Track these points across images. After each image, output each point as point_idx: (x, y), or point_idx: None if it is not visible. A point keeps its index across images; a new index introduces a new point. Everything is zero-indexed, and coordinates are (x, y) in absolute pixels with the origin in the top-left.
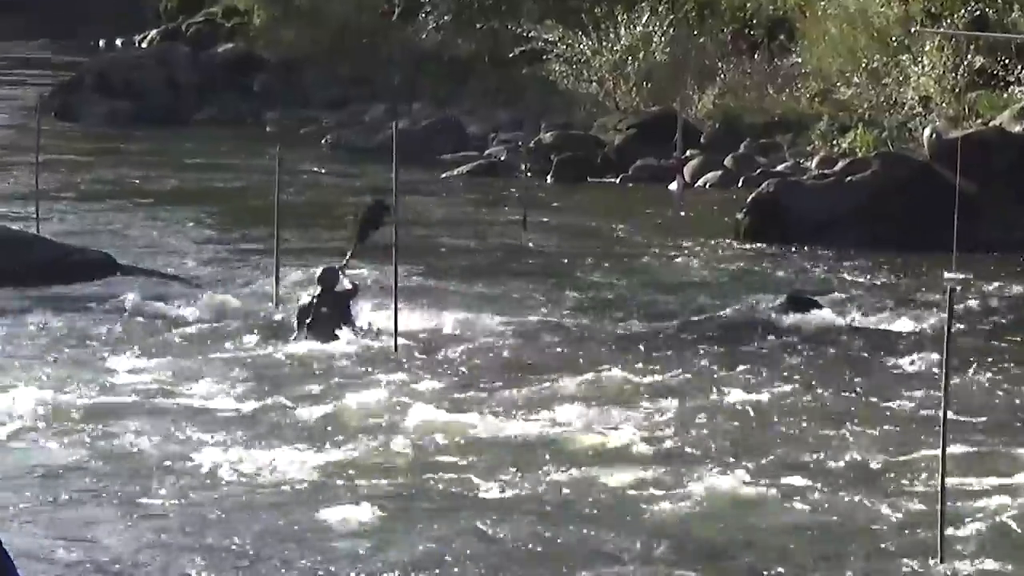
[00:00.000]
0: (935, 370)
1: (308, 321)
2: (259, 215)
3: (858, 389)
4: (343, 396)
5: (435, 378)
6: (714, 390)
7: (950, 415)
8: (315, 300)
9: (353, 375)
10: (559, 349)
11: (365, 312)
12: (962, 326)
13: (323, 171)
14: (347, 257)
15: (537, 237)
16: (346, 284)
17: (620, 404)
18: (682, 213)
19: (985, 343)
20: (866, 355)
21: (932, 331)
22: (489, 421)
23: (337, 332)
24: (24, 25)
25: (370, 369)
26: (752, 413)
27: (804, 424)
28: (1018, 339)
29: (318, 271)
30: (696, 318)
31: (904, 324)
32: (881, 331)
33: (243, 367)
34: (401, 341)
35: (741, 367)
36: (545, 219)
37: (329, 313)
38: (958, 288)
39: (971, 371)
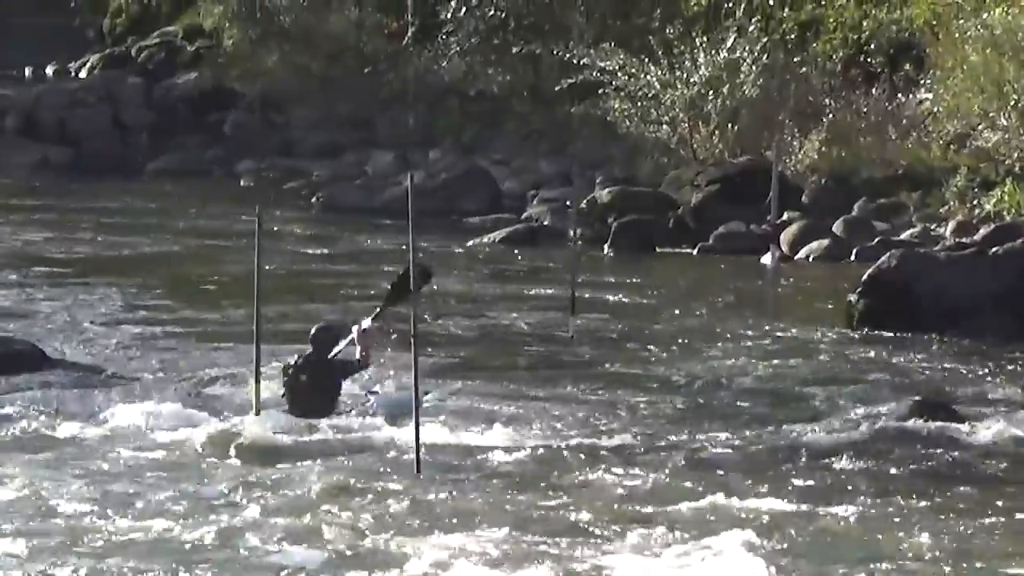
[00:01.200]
0: None
1: (282, 393)
2: (232, 294)
3: (1003, 526)
4: (342, 537)
5: (467, 514)
6: (818, 523)
7: None
8: (297, 363)
9: (363, 497)
10: (615, 480)
11: (376, 423)
12: None
13: (313, 238)
14: (370, 318)
15: (589, 325)
16: (354, 353)
17: (694, 551)
18: (778, 292)
19: None
20: (1014, 480)
21: None
22: None
23: (320, 409)
24: None
25: (383, 490)
26: (870, 555)
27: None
28: None
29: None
30: (795, 431)
31: None
32: None
33: (205, 493)
34: (425, 460)
35: (852, 493)
36: (600, 301)
37: (312, 384)
38: None
39: None
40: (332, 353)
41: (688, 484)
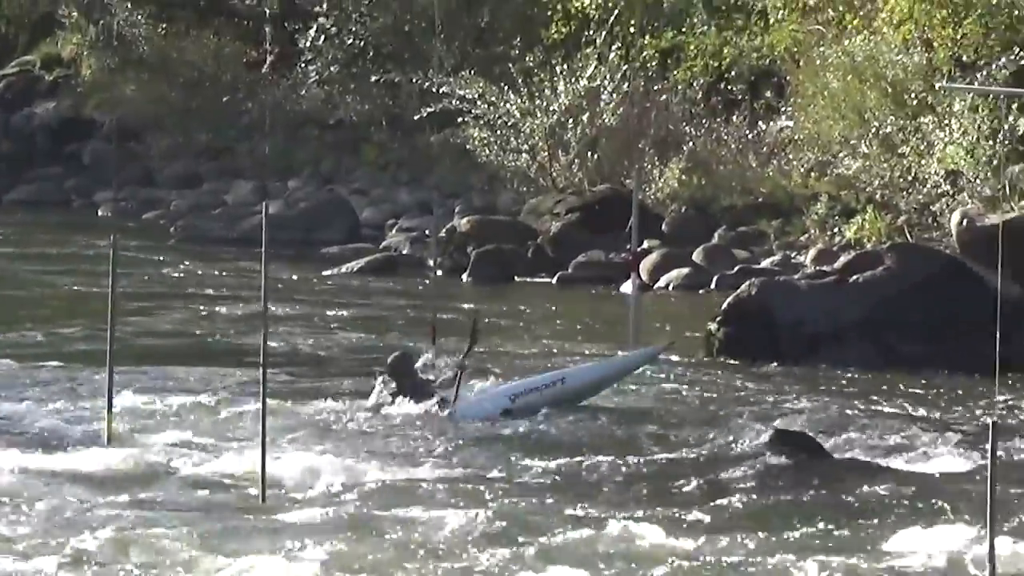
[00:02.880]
0: (972, 531)
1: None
2: (87, 325)
3: (864, 553)
4: (187, 566)
5: (313, 541)
6: (670, 549)
7: None
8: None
9: (210, 531)
10: (473, 504)
11: (225, 453)
12: (1010, 476)
13: (172, 269)
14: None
15: (450, 354)
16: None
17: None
18: (638, 321)
19: None
20: (877, 509)
21: (967, 477)
22: None
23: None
24: None
25: (232, 524)
26: None
27: None
28: None
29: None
30: (652, 460)
31: (929, 467)
32: (898, 475)
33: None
34: (271, 491)
35: (708, 521)
36: (460, 331)
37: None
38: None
39: (1017, 536)
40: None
41: (535, 513)
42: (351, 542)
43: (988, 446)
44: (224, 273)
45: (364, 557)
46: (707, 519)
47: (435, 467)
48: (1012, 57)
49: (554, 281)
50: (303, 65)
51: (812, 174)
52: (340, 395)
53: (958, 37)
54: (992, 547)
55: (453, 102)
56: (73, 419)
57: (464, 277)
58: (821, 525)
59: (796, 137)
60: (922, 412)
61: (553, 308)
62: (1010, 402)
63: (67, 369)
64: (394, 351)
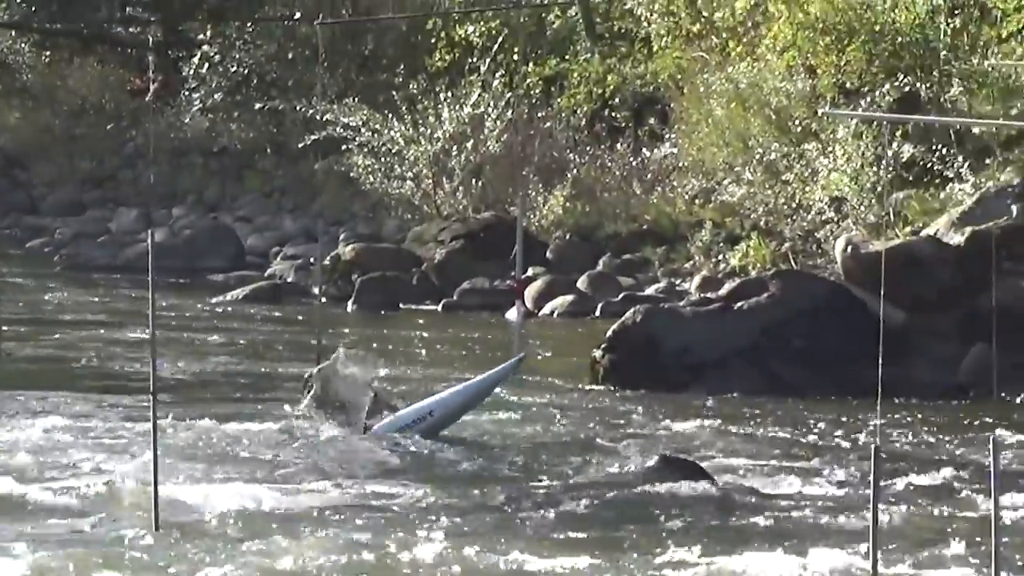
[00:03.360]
0: (856, 555)
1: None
2: None
3: None
4: None
5: (209, 568)
6: None
7: None
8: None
9: (101, 560)
10: (354, 532)
11: (115, 481)
12: (892, 500)
13: (55, 298)
14: None
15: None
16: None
17: None
18: (523, 348)
19: (921, 521)
20: (761, 533)
21: (851, 501)
22: None
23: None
24: None
25: (121, 545)
26: None
27: None
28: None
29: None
30: (536, 488)
31: (813, 491)
32: (782, 503)
33: None
34: (164, 516)
35: (592, 550)
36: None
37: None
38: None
39: (900, 558)
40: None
41: (417, 541)
42: (247, 568)
43: (871, 471)
44: (109, 300)
45: None
46: (592, 544)
47: (330, 492)
48: (895, 84)
49: (439, 308)
50: (187, 93)
51: (696, 201)
52: (230, 419)
53: (841, 64)
54: (875, 572)
55: (337, 130)
56: None
57: (349, 305)
58: (706, 550)
59: (680, 164)
60: (806, 437)
61: (439, 335)
62: (891, 427)
63: None
64: (281, 377)
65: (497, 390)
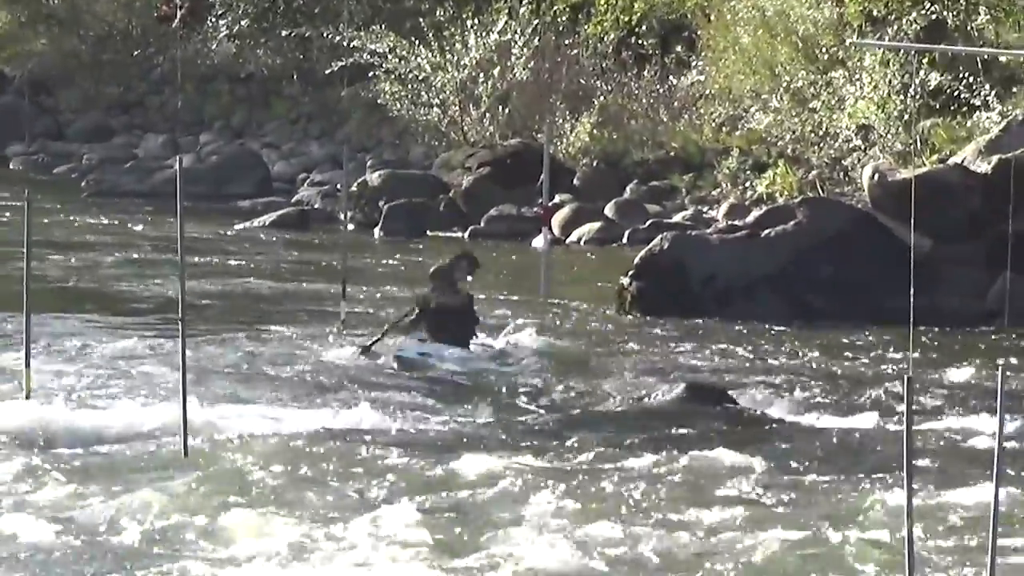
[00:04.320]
0: (888, 484)
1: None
2: (0, 285)
3: (775, 506)
4: (108, 517)
5: (237, 495)
6: (582, 507)
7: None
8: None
9: (130, 486)
10: (385, 454)
11: (145, 406)
12: (925, 426)
13: (83, 224)
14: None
15: (362, 309)
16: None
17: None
18: (550, 275)
19: (953, 449)
20: (789, 462)
21: (882, 431)
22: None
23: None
24: None
25: (151, 477)
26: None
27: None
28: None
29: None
30: (565, 415)
31: (844, 421)
32: (811, 429)
33: None
34: (193, 443)
35: (619, 477)
36: (371, 286)
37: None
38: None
39: (933, 490)
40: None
41: (451, 466)
42: (274, 494)
43: (905, 400)
44: (136, 226)
45: (292, 510)
46: (618, 472)
47: (358, 415)
48: (922, 11)
49: (466, 235)
50: (214, 19)
51: (723, 129)
52: (258, 344)
53: None
54: (910, 500)
55: (364, 56)
56: None
57: (376, 231)
58: (731, 477)
59: (707, 92)
60: (835, 366)
61: None
62: (923, 356)
63: None
64: (308, 303)
65: (518, 313)
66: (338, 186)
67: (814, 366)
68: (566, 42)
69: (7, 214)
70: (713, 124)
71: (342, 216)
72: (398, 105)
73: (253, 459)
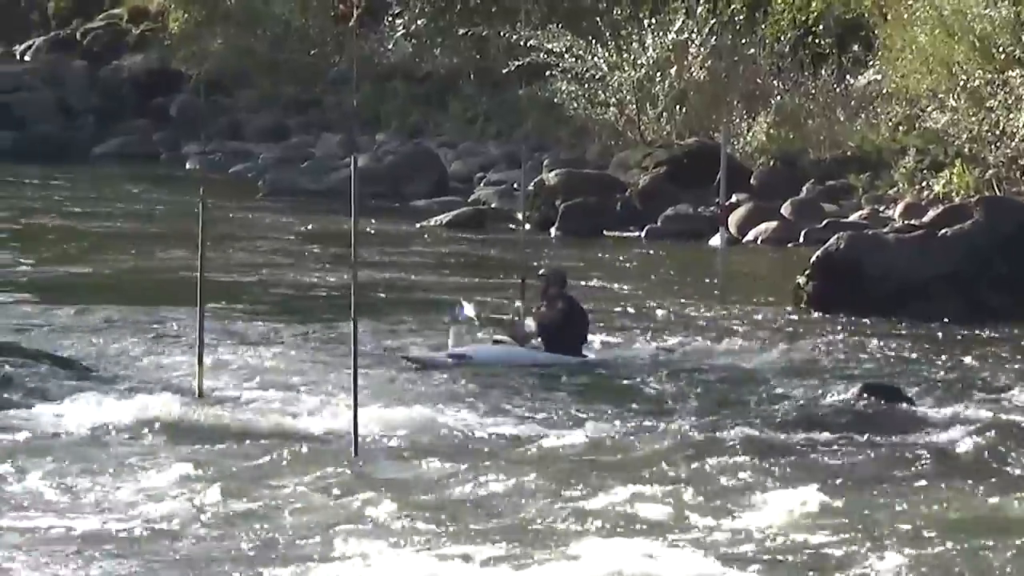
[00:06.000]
0: None
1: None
2: (176, 283)
3: (955, 505)
4: (279, 516)
5: (404, 496)
6: (761, 508)
7: None
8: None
9: (302, 484)
10: (554, 463)
11: (315, 405)
12: None
13: (258, 221)
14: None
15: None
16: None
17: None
18: (727, 275)
19: None
20: (967, 460)
21: None
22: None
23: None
24: None
25: (321, 476)
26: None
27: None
28: None
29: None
30: (742, 414)
31: (1021, 419)
32: (989, 427)
33: (136, 478)
34: (363, 443)
35: (796, 475)
36: None
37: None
38: None
39: None
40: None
41: (632, 465)
42: (447, 496)
43: None
44: (312, 226)
45: (461, 512)
46: (795, 469)
47: (526, 420)
48: None
49: (642, 235)
50: (390, 18)
51: (900, 128)
52: (434, 343)
53: None
54: None
55: (541, 55)
56: (164, 369)
57: (552, 231)
58: (910, 476)
59: (884, 91)
60: (1012, 364)
61: (641, 262)
62: None
63: (159, 320)
64: (484, 305)
65: (696, 312)
66: (515, 185)
67: (991, 364)
68: (743, 41)
69: (183, 213)
70: (890, 123)
71: (519, 215)
72: (575, 104)
73: (423, 458)
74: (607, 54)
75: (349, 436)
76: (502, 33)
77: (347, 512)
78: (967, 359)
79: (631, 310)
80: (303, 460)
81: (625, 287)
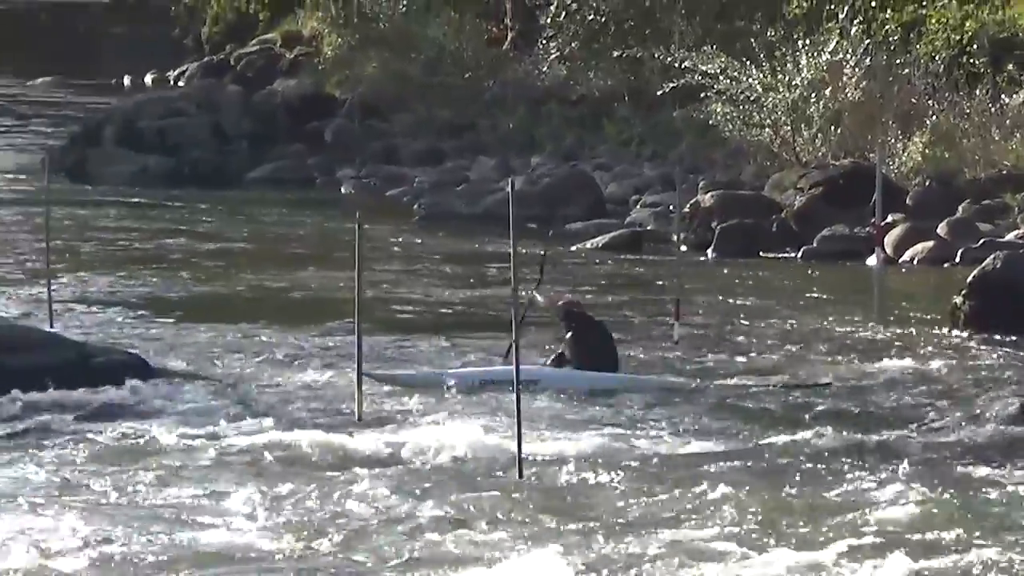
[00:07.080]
0: None
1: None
2: (333, 305)
3: None
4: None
5: (571, 516)
6: (921, 524)
7: None
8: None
9: (467, 506)
10: (720, 486)
11: (478, 429)
12: None
13: (415, 245)
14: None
15: (694, 330)
16: None
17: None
18: (884, 295)
19: None
20: None
21: None
22: None
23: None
24: (27, 60)
25: (486, 494)
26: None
27: None
28: None
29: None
30: (901, 434)
31: None
32: None
33: (305, 501)
34: (527, 465)
35: (958, 495)
36: (705, 306)
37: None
38: None
39: None
40: None
41: (794, 487)
42: (615, 518)
43: None
44: (470, 249)
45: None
46: (954, 487)
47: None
48: None
49: (798, 256)
50: (544, 41)
51: None
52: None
53: None
54: None
55: (695, 77)
56: (323, 392)
57: (708, 252)
58: None
59: None
60: None
61: (798, 283)
62: None
63: (318, 343)
64: (638, 328)
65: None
66: (671, 207)
67: None
68: (897, 61)
69: (339, 237)
70: None
71: (675, 237)
72: (730, 126)
73: (587, 483)
74: (761, 75)
75: (514, 459)
76: (656, 55)
77: (513, 534)
78: None
79: (788, 330)
80: (466, 482)
81: (782, 308)
